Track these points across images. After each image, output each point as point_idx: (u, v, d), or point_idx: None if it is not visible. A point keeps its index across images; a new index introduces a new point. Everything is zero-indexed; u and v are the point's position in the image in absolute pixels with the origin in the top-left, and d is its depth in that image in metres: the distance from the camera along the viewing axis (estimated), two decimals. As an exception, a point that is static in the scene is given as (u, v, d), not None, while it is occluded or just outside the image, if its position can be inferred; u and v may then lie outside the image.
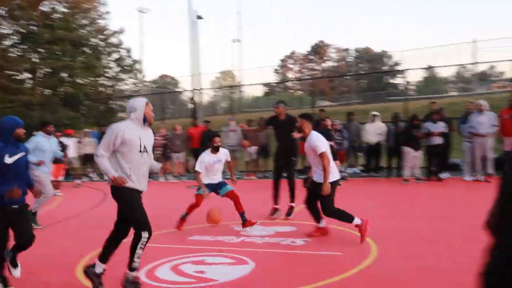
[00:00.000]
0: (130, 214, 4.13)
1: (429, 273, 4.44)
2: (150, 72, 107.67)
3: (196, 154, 14.24)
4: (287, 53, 60.27)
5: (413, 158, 10.66)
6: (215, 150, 6.58)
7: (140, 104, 4.23)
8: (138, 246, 4.03)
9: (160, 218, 7.91)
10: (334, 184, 5.73)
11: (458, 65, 50.49)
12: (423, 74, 45.19)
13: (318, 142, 5.73)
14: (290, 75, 57.50)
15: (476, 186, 9.94)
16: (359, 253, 5.16)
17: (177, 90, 44.99)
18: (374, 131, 11.86)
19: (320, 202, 5.77)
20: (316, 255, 5.11)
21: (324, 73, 52.02)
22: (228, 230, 6.58)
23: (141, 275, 4.70)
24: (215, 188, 6.69)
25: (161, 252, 5.53)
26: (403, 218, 6.95)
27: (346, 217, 5.67)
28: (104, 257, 4.26)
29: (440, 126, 10.81)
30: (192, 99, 19.61)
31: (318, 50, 56.99)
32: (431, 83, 43.56)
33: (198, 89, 19.60)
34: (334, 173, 5.76)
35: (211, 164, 6.63)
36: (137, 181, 4.16)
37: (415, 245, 5.42)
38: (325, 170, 5.57)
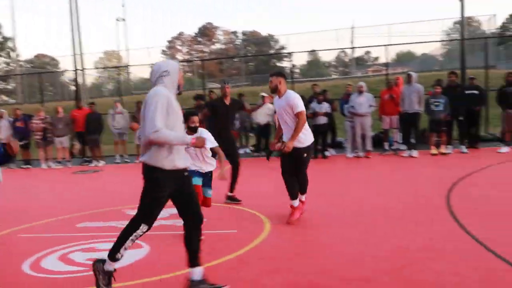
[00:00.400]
0: (146, 200, 3.52)
1: (315, 245, 4.72)
2: (25, 51, 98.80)
3: (81, 137, 13.52)
4: (175, 34, 59.13)
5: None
6: (192, 131, 5.13)
7: (173, 67, 3.58)
8: (131, 237, 3.51)
9: (45, 206, 7.40)
10: (311, 147, 5.67)
11: (338, 49, 53.76)
12: (307, 58, 47.27)
13: (298, 100, 5.44)
14: (179, 56, 56.57)
15: (356, 162, 10.71)
16: (253, 231, 5.30)
17: (57, 70, 41.87)
18: (264, 111, 12.16)
19: (298, 165, 5.60)
20: (212, 234, 5.15)
21: (212, 55, 52.00)
22: (120, 215, 6.35)
23: (25, 267, 4.36)
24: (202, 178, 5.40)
25: (47, 242, 5.19)
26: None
27: (295, 193, 5.65)
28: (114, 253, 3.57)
29: (325, 107, 11.41)
30: (74, 80, 18.37)
31: (206, 32, 56.75)
32: (315, 66, 45.75)
33: (80, 69, 18.41)
34: (310, 136, 5.66)
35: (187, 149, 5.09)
36: (182, 157, 3.57)
37: (304, 221, 5.70)
38: (296, 129, 5.34)
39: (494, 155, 10.22)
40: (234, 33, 55.75)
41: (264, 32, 57.96)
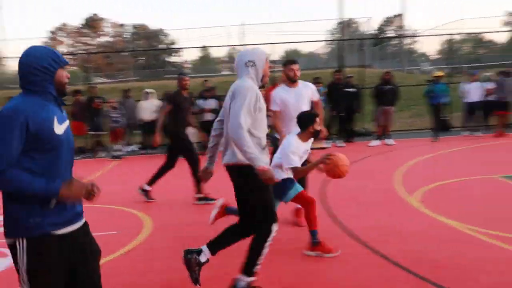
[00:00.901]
0: (257, 200, 3.22)
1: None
2: None
3: None
4: (57, 25, 55.37)
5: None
6: (313, 136, 4.34)
7: (260, 56, 3.29)
8: (266, 244, 3.24)
9: None
10: None
11: (229, 46, 54.44)
12: (198, 53, 47.10)
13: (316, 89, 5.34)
14: (62, 48, 53.11)
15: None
16: (134, 231, 5.20)
17: None
18: (149, 108, 11.91)
19: None
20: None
21: (99, 48, 49.62)
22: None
23: None
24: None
25: None
26: (179, 191, 7.20)
27: None
28: (215, 246, 3.40)
29: (212, 103, 11.48)
30: None
31: (92, 23, 53.93)
32: (206, 62, 45.73)
33: None
34: None
35: None
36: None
37: (181, 218, 5.71)
38: (321, 116, 5.16)
39: (367, 149, 11.09)
40: (123, 25, 53.69)
41: (154, 26, 56.60)
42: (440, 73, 13.60)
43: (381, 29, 77.59)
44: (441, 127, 12.69)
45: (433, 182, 6.96)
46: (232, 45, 57.18)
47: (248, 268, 3.30)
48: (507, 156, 9.14)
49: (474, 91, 12.49)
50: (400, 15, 41.97)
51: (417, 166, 8.53)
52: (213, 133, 3.59)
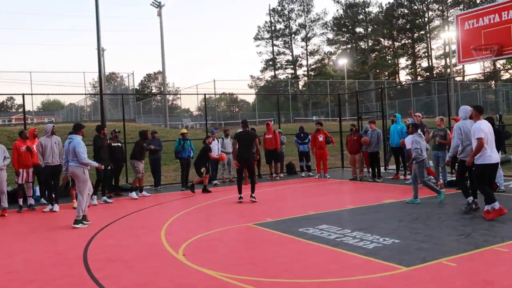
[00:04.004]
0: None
1: None
2: None
3: None
4: None
5: None
6: None
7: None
8: None
9: None
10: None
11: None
12: None
13: None
14: None
15: None
16: None
17: None
18: None
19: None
20: None
21: None
22: None
23: None
24: None
25: None
26: None
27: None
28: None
29: None
30: None
31: None
32: None
33: None
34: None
35: None
36: None
37: None
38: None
39: (139, 201, 10.97)
40: None
41: None
42: (184, 130, 14.74)
43: (143, 85, 79.74)
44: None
45: (196, 234, 7.27)
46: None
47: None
48: (256, 206, 10.23)
49: (214, 147, 13.97)
50: (161, 72, 43.94)
51: (180, 220, 8.81)
52: None
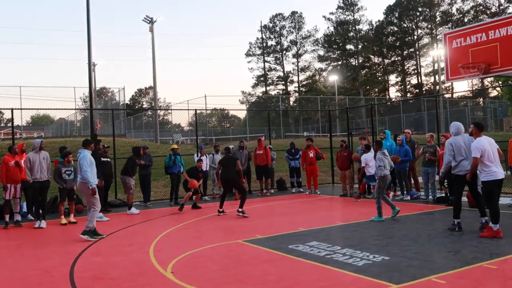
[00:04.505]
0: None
1: None
2: None
3: None
4: None
5: None
6: None
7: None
8: None
9: None
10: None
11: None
12: None
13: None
14: None
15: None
16: None
17: None
18: None
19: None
20: None
21: None
22: None
23: None
24: None
25: None
26: None
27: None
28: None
29: None
30: None
31: None
32: None
33: None
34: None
35: None
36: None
37: None
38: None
39: (127, 217, 10.87)
40: None
41: None
42: (175, 146, 14.74)
43: (134, 100, 79.69)
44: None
45: (184, 251, 7.20)
46: (-34, 107, 50.21)
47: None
48: (245, 222, 10.18)
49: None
50: (152, 87, 43.92)
51: (169, 236, 8.73)
52: None
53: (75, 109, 33.29)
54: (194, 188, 12.50)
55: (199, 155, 14.38)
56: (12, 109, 13.43)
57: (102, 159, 12.03)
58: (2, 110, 55.77)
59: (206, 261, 6.66)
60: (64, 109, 37.89)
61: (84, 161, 8.56)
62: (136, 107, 71.30)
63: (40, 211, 10.35)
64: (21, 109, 16.82)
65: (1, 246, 8.51)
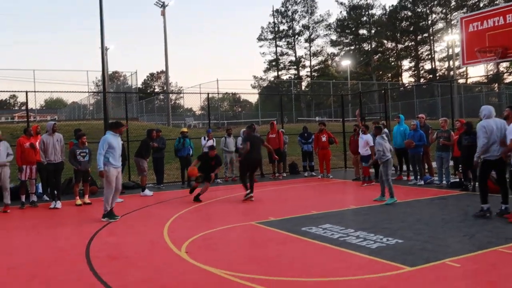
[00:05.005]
0: None
1: None
2: None
3: None
4: None
5: None
6: None
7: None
8: None
9: None
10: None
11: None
12: None
13: None
14: None
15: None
16: None
17: None
18: None
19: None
20: None
21: None
22: None
23: None
24: None
25: None
26: None
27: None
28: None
29: None
30: None
31: None
32: None
33: None
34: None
35: None
36: None
37: None
38: None
39: (140, 199, 10.98)
40: None
41: None
42: (184, 129, 14.80)
43: (146, 83, 79.84)
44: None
45: (198, 232, 7.25)
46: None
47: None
48: (258, 205, 10.21)
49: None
50: (164, 72, 43.91)
51: (183, 217, 8.79)
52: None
53: (88, 92, 33.46)
54: (193, 177, 11.35)
55: (207, 138, 14.44)
56: (26, 92, 13.53)
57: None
58: (17, 93, 56.22)
59: (220, 242, 6.71)
60: (77, 92, 38.11)
61: (102, 144, 8.53)
62: (148, 91, 71.46)
63: (55, 192, 10.48)
64: (35, 91, 16.93)
65: (18, 226, 8.65)
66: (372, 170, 13.68)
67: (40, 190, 11.74)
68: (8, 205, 10.11)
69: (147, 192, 12.10)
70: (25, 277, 5.22)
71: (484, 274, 4.85)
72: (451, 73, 51.45)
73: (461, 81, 48.49)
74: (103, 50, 17.27)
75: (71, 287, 4.80)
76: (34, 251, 6.47)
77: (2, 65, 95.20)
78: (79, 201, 10.67)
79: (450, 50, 53.65)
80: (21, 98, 64.52)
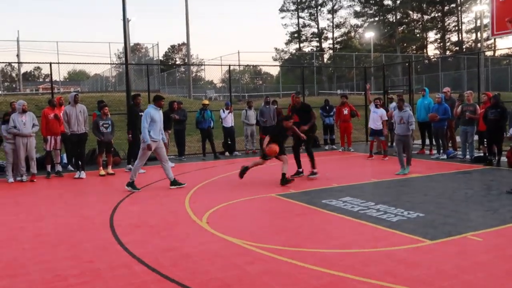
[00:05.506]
0: None
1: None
2: None
3: None
4: None
5: None
6: None
7: None
8: None
9: None
10: None
11: (3, 63, 48.63)
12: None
13: None
14: None
15: (20, 187, 9.76)
16: None
17: None
18: None
19: None
20: None
21: None
22: None
23: None
24: None
25: None
26: None
27: None
28: None
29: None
30: None
31: None
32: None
33: None
34: None
35: None
36: None
37: None
38: None
39: (162, 171, 11.12)
40: None
41: None
42: (206, 101, 14.81)
43: (167, 56, 79.82)
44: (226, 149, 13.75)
45: (219, 203, 7.34)
46: (7, 62, 51.52)
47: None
48: (279, 177, 10.22)
49: (228, 119, 14.59)
50: (185, 44, 43.79)
51: (204, 189, 8.89)
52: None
53: (111, 64, 33.64)
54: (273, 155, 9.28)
55: (226, 111, 14.46)
56: (50, 63, 13.69)
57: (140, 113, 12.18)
58: (41, 65, 56.80)
59: (240, 213, 6.78)
60: (99, 63, 38.36)
61: (145, 118, 8.65)
62: (170, 63, 71.50)
63: (79, 163, 10.69)
64: (58, 63, 17.13)
65: (44, 194, 8.89)
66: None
67: (65, 160, 11.98)
68: (34, 174, 10.38)
69: (169, 163, 12.20)
70: (51, 243, 5.39)
71: (506, 249, 4.79)
72: (478, 45, 49.98)
73: (489, 53, 47.08)
74: (125, 22, 17.24)
75: (96, 254, 4.93)
76: (60, 219, 6.65)
77: (26, 36, 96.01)
78: (102, 172, 10.87)
79: (478, 21, 52.01)
80: (45, 70, 65.31)
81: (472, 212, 6.39)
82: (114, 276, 4.23)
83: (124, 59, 17.35)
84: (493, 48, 51.71)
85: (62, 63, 18.94)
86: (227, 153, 14.65)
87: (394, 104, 13.23)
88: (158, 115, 8.80)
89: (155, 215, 6.68)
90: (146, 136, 8.58)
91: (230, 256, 4.74)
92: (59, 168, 11.13)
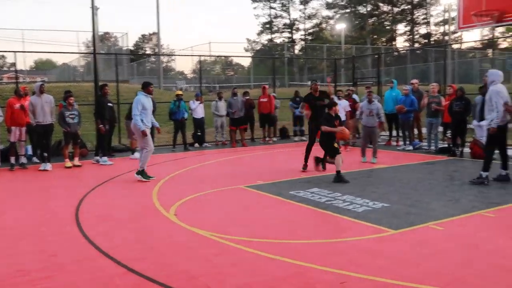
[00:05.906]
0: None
1: None
2: None
3: None
4: None
5: None
6: None
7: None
8: None
9: None
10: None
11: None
12: None
13: None
14: None
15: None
16: None
17: None
18: None
19: None
20: None
21: None
22: None
23: None
24: None
25: None
26: None
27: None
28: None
29: None
30: None
31: None
32: None
33: None
34: None
35: None
36: None
37: None
38: None
39: (131, 162, 11.00)
40: None
41: None
42: (180, 92, 14.75)
43: (138, 45, 78.55)
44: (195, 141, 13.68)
45: (187, 195, 7.32)
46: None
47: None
48: (248, 169, 10.28)
49: (199, 110, 14.46)
50: (155, 33, 43.16)
51: (172, 180, 8.85)
52: None
53: (79, 53, 32.90)
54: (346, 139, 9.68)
55: (196, 102, 14.39)
56: (15, 52, 13.32)
57: (109, 104, 11.97)
58: (5, 54, 55.08)
59: (208, 205, 6.78)
60: (67, 52, 37.48)
61: (136, 105, 8.59)
62: (140, 52, 70.38)
63: (45, 154, 10.45)
64: (23, 51, 16.66)
65: (8, 187, 8.67)
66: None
67: (30, 152, 11.70)
68: (-3, 166, 10.10)
69: (137, 155, 12.06)
70: (14, 237, 5.27)
71: (466, 237, 4.97)
72: (446, 38, 51.05)
73: (456, 46, 48.15)
74: (93, 10, 16.89)
75: (60, 247, 4.86)
76: (24, 212, 6.50)
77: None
78: (69, 163, 10.66)
79: (446, 14, 53.05)
80: (9, 58, 63.35)
81: (434, 202, 6.57)
82: (79, 270, 4.18)
83: (92, 48, 17.00)
84: (459, 41, 52.92)
85: (27, 51, 18.46)
86: (196, 144, 14.59)
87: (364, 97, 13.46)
88: (148, 101, 8.78)
89: (122, 208, 6.62)
90: (139, 123, 8.56)
91: (197, 248, 4.75)
92: (23, 160, 10.85)
